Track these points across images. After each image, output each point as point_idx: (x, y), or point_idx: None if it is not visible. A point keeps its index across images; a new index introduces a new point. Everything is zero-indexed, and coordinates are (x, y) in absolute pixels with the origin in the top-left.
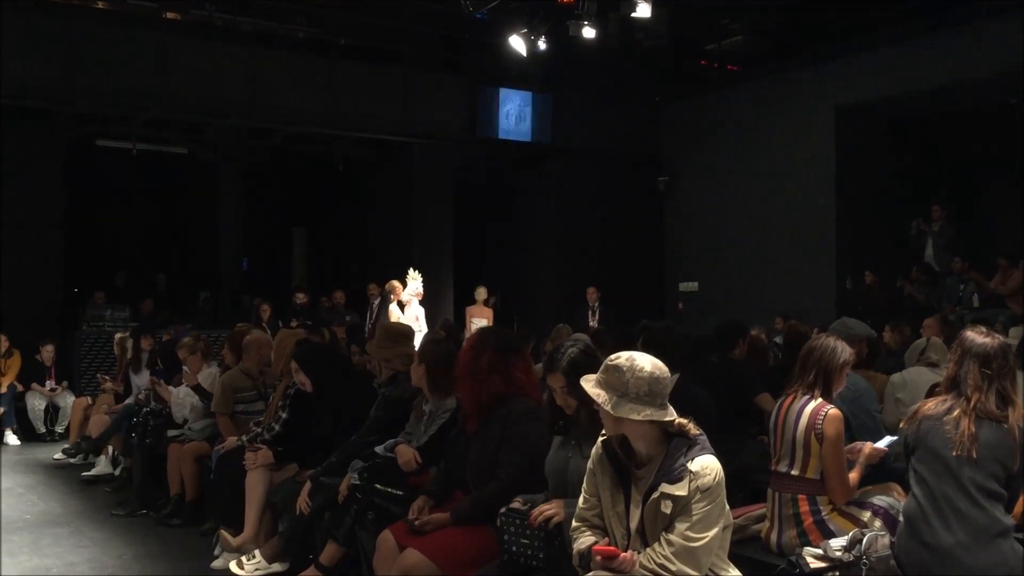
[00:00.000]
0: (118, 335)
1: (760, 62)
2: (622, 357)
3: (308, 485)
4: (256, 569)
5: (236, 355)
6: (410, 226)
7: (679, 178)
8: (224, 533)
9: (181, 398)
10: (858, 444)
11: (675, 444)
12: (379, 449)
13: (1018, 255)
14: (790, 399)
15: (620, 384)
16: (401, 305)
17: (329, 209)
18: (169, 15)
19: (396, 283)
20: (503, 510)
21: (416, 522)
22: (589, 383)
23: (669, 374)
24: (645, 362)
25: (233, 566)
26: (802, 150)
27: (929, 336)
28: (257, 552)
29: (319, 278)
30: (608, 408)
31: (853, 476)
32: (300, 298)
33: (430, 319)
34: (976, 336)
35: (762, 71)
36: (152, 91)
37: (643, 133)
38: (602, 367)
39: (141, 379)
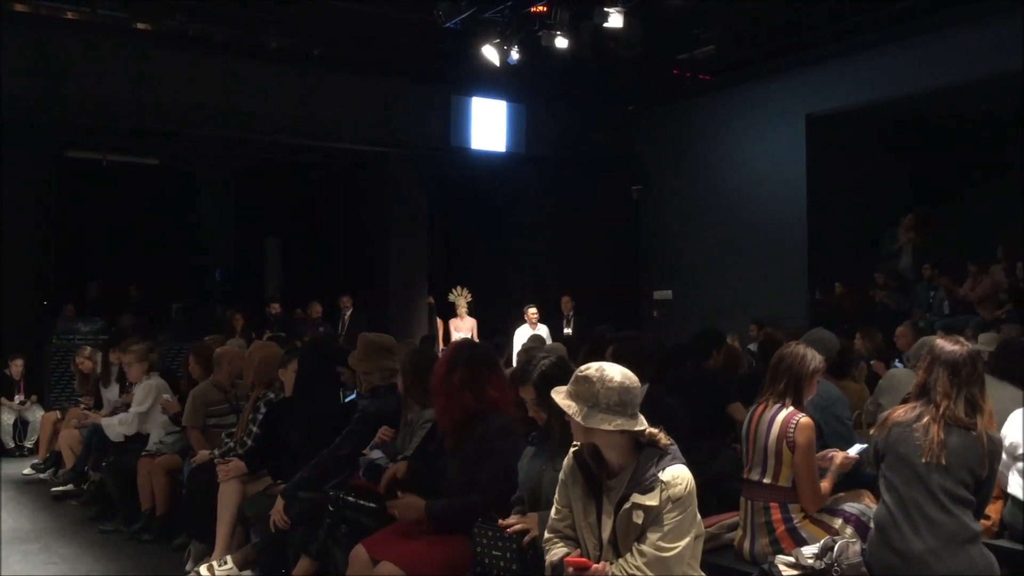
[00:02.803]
0: (87, 350)
1: (732, 71)
2: (592, 368)
3: (282, 501)
4: (227, 574)
5: (202, 368)
6: (385, 236)
7: (653, 186)
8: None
9: (112, 424)
10: (829, 452)
11: (646, 454)
12: (375, 457)
13: (988, 261)
14: (762, 407)
15: (590, 395)
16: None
17: (304, 219)
18: (141, 25)
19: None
20: (478, 522)
21: (390, 506)
22: (560, 395)
23: (639, 384)
24: (615, 372)
25: (203, 569)
26: (773, 158)
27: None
28: (229, 558)
29: (293, 289)
30: (579, 419)
31: (825, 484)
32: (274, 309)
33: (403, 328)
34: (945, 344)
35: (734, 80)
36: (125, 101)
37: (617, 142)
38: (572, 378)
39: (111, 393)
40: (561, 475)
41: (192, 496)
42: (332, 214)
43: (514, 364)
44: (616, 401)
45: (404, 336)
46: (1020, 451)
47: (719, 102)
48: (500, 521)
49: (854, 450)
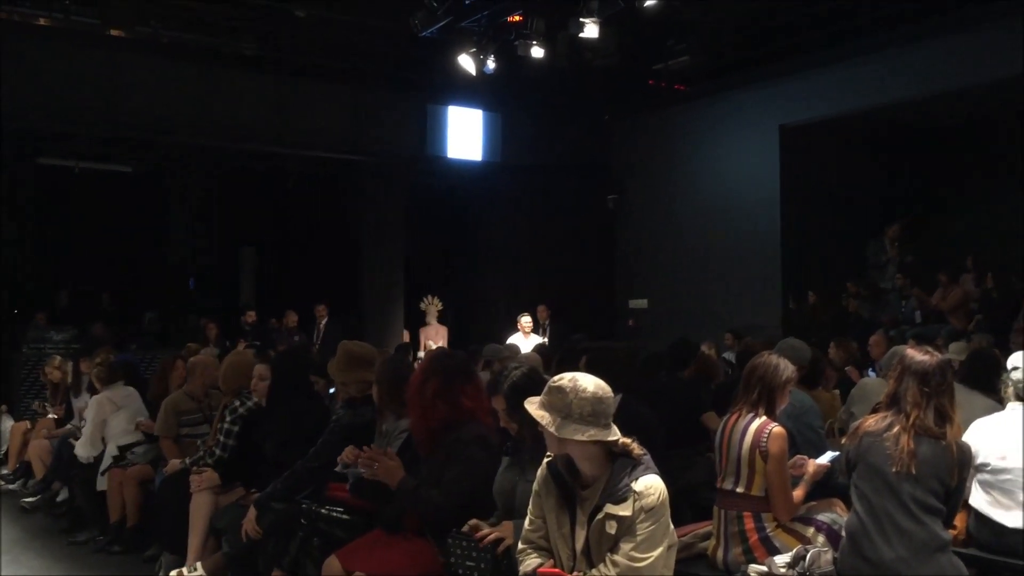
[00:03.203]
0: (57, 359)
1: (706, 81)
2: (565, 378)
3: (254, 511)
4: None
5: (163, 384)
6: (361, 245)
7: (628, 195)
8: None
9: (79, 448)
10: (800, 459)
11: (619, 464)
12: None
13: (959, 271)
14: (735, 417)
15: (563, 405)
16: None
17: (278, 228)
18: (115, 32)
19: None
20: (452, 531)
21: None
22: (533, 405)
23: (612, 394)
24: (588, 383)
25: (173, 574)
26: (747, 168)
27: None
28: (199, 564)
29: (268, 298)
30: (552, 429)
31: (798, 493)
32: (249, 317)
33: (379, 338)
34: (915, 354)
35: (708, 90)
36: (98, 108)
37: (592, 151)
38: (545, 389)
39: (82, 403)
40: (535, 486)
41: (163, 506)
42: (307, 223)
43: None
44: (589, 411)
45: (380, 345)
46: (979, 461)
47: (694, 112)
48: (471, 526)
49: (826, 458)
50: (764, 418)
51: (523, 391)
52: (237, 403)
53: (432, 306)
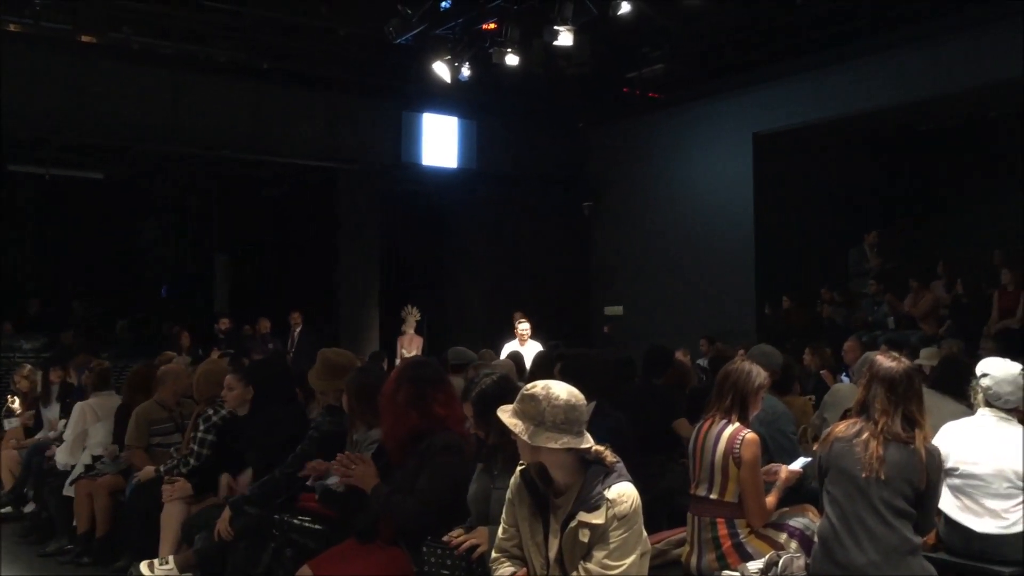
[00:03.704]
0: (26, 368)
1: (680, 89)
2: (538, 386)
3: (228, 512)
4: (167, 574)
5: (132, 393)
6: (336, 252)
7: (604, 203)
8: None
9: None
10: (774, 466)
11: (592, 472)
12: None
13: (929, 277)
14: (708, 423)
15: (536, 413)
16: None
17: (253, 235)
18: (86, 38)
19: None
20: (427, 540)
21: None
22: (506, 413)
23: (585, 402)
24: (561, 390)
25: (143, 567)
26: (721, 176)
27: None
28: (171, 558)
29: (242, 305)
30: (525, 437)
31: (770, 499)
32: (223, 324)
33: (354, 346)
34: (884, 360)
35: (682, 98)
36: (69, 115)
37: (568, 158)
38: (518, 396)
39: (52, 412)
40: (508, 494)
41: (134, 516)
42: (282, 230)
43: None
44: (562, 419)
45: (355, 353)
46: (949, 465)
47: (668, 120)
48: (448, 537)
49: (798, 464)
50: (737, 424)
51: (493, 399)
52: (211, 412)
53: (411, 315)
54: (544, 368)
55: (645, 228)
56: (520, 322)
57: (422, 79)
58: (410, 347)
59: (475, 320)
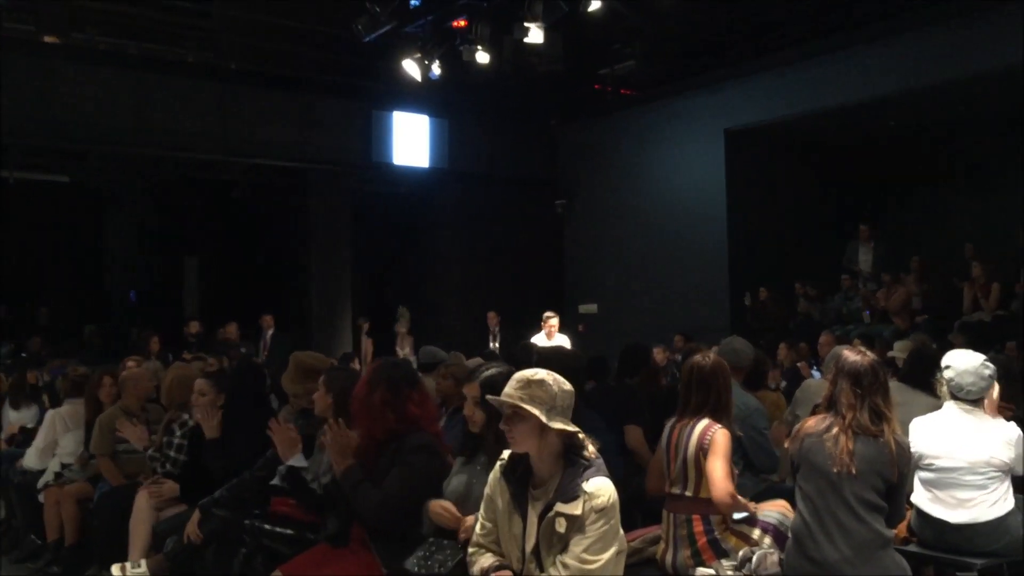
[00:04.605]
0: None
1: (653, 86)
2: (541, 373)
3: (198, 514)
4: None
5: (94, 400)
6: (307, 254)
7: (577, 201)
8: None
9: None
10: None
11: (572, 464)
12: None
13: (900, 272)
14: (681, 422)
15: (548, 398)
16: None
17: (222, 237)
18: (49, 39)
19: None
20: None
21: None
22: (513, 399)
23: None
24: (562, 379)
25: (115, 569)
26: (694, 172)
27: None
28: (143, 562)
29: (212, 309)
30: (544, 420)
31: (731, 487)
32: (193, 328)
33: (326, 348)
34: (849, 355)
35: (654, 95)
36: (33, 117)
37: (540, 157)
38: (520, 384)
39: (18, 417)
40: (487, 489)
41: (102, 524)
42: (252, 232)
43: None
44: (567, 405)
45: (328, 355)
46: (922, 460)
47: (640, 116)
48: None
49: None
50: (707, 420)
51: (499, 389)
52: (187, 417)
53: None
54: (517, 367)
55: (618, 225)
56: (549, 316)
57: (392, 77)
58: (403, 346)
59: (448, 320)
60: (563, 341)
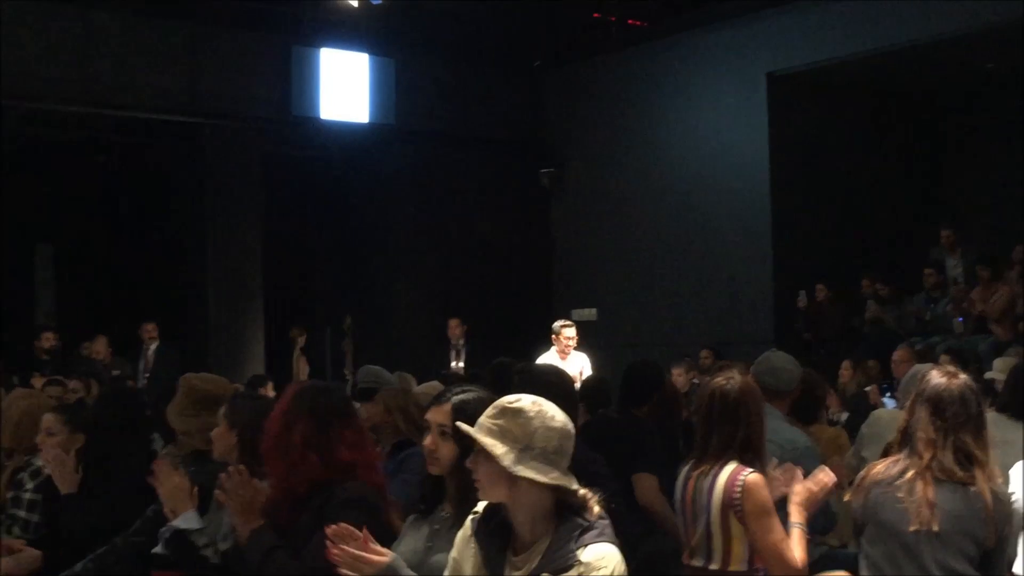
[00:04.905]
0: None
1: (671, 16)
2: (525, 400)
3: None
4: None
5: None
6: (203, 240)
7: (569, 169)
8: None
9: None
10: (789, 467)
11: (566, 525)
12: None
13: (1002, 265)
14: (700, 467)
15: (524, 434)
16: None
17: (87, 218)
18: None
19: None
20: None
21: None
22: (481, 431)
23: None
24: (555, 410)
25: None
26: (726, 131)
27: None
28: None
29: (73, 315)
30: (506, 463)
31: (798, 554)
32: (47, 341)
33: (230, 366)
34: (933, 375)
35: (673, 28)
36: None
37: (519, 110)
38: (495, 411)
39: None
40: (453, 552)
41: None
42: (128, 211)
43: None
44: (555, 447)
45: (231, 377)
46: None
47: (654, 57)
48: None
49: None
50: (734, 464)
51: (473, 414)
52: (40, 464)
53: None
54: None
55: (624, 202)
56: (566, 326)
57: (319, 3)
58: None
59: (396, 330)
60: (583, 363)
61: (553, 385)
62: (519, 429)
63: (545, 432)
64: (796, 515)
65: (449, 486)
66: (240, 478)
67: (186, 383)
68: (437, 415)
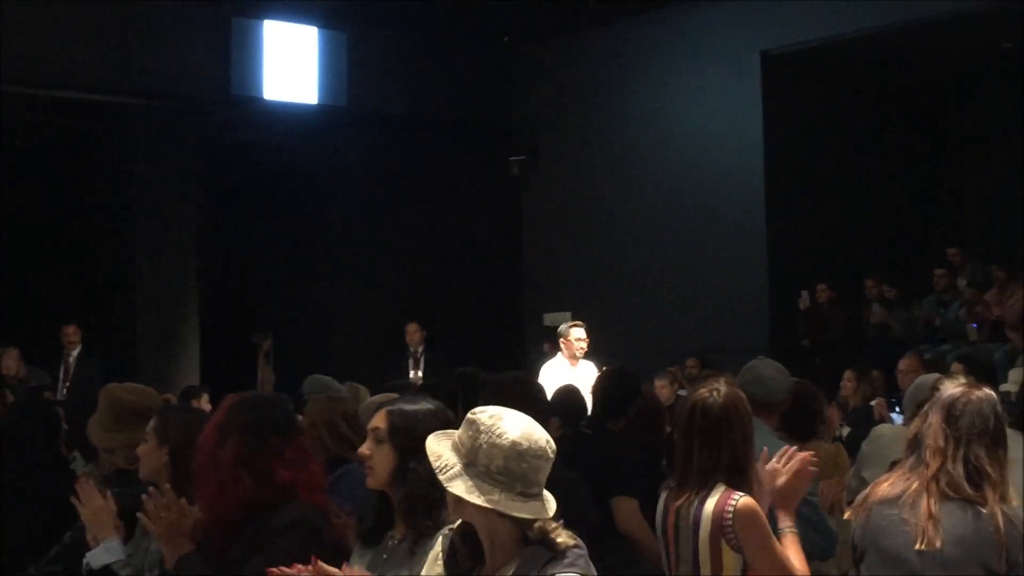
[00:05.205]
0: None
1: None
2: (487, 412)
3: None
4: None
5: None
6: (131, 234)
7: (542, 157)
8: None
9: None
10: (792, 451)
11: (531, 553)
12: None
13: (1017, 263)
14: (683, 494)
15: (471, 448)
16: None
17: None
18: None
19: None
20: None
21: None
22: (435, 437)
23: (548, 454)
24: (513, 426)
25: None
26: (717, 115)
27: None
28: None
29: None
30: (442, 476)
31: (798, 564)
32: None
33: (164, 376)
34: (948, 386)
35: (659, 1)
36: None
37: (487, 91)
38: (464, 421)
39: None
40: (425, 570)
41: None
42: (46, 200)
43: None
44: (499, 467)
45: (163, 388)
46: None
47: (638, 33)
48: None
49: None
50: (722, 489)
51: (419, 429)
52: None
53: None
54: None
55: (603, 194)
56: (574, 326)
57: None
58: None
59: (348, 336)
60: (592, 371)
61: (519, 397)
62: (469, 442)
63: (489, 449)
64: (784, 519)
65: (394, 500)
66: (165, 499)
67: (108, 394)
68: (375, 420)
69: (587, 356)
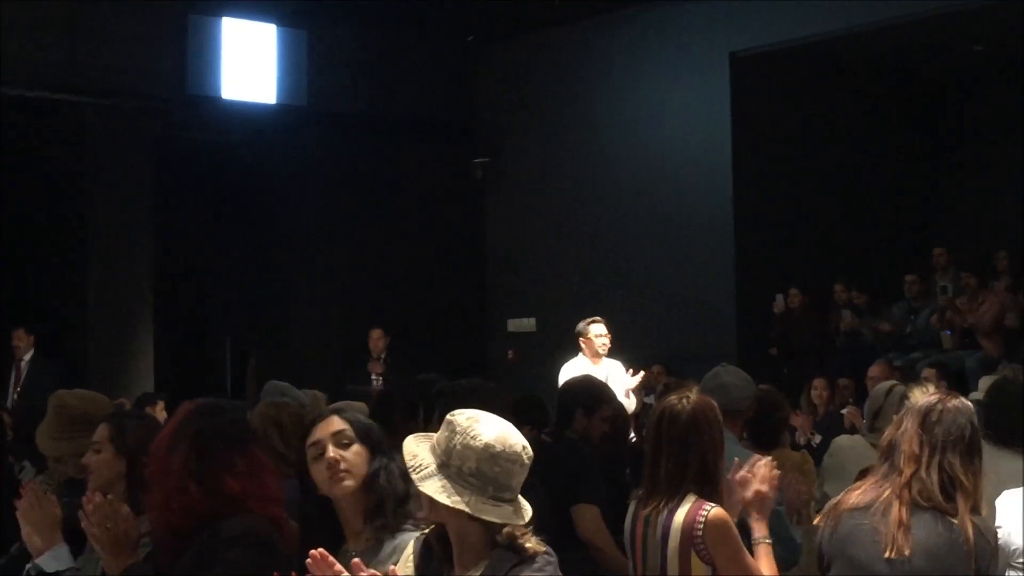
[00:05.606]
0: None
1: None
2: (465, 414)
3: None
4: None
5: None
6: (82, 234)
7: (505, 159)
8: None
9: None
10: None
11: (497, 558)
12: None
13: (987, 269)
14: (651, 504)
15: (445, 449)
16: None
17: None
18: None
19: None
20: None
21: None
22: (419, 439)
23: (524, 460)
24: (489, 429)
25: None
26: (685, 117)
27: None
28: None
29: None
30: (415, 476)
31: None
32: None
33: (118, 382)
34: (918, 393)
35: (626, 2)
36: None
37: (449, 91)
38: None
39: None
40: (399, 570)
41: None
42: None
43: None
44: (472, 469)
45: (117, 393)
46: (1013, 556)
47: (604, 33)
48: None
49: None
50: (692, 499)
51: (374, 432)
52: None
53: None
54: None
55: (567, 197)
56: (593, 323)
57: None
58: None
59: (309, 342)
60: (617, 371)
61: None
62: (445, 442)
63: (462, 450)
64: (757, 529)
65: (366, 502)
66: (108, 507)
67: (57, 401)
68: (329, 426)
69: (610, 354)
